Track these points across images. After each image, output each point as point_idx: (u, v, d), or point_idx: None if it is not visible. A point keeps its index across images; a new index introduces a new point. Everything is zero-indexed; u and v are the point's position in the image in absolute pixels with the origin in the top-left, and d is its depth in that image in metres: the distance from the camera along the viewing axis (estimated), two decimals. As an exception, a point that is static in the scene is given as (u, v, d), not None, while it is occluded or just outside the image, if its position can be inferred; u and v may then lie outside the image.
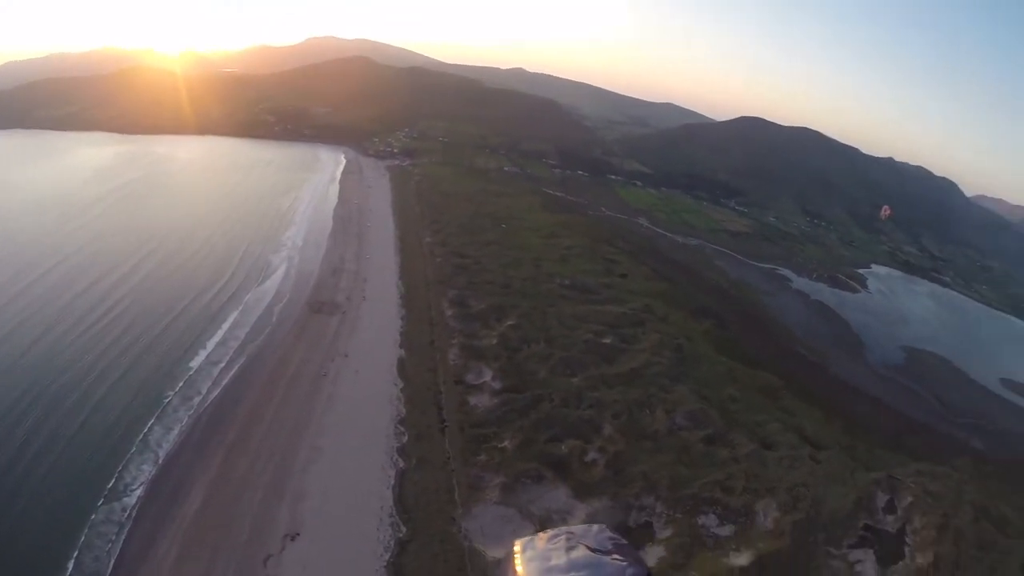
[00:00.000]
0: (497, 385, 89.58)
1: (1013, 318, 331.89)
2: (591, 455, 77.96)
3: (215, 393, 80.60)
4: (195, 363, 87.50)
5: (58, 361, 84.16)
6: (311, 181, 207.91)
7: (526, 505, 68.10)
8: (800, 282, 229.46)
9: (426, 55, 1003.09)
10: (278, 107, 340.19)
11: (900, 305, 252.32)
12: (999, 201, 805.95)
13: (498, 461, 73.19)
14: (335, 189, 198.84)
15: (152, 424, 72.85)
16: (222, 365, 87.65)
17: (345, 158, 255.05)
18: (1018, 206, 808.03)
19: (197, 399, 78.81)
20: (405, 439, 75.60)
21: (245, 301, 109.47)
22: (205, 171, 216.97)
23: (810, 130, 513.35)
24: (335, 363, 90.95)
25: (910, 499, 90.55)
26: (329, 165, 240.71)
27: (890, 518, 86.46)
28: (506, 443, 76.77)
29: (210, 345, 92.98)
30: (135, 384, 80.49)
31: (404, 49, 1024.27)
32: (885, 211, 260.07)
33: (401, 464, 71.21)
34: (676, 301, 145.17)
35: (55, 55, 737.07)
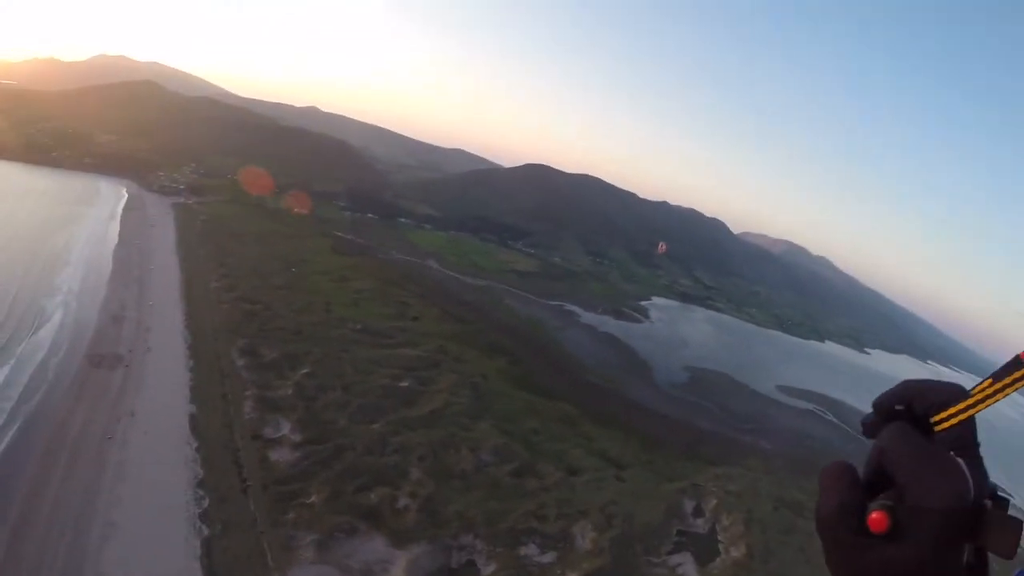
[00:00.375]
0: (297, 437, 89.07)
1: (780, 333, 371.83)
2: (402, 501, 79.73)
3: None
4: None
5: None
6: (89, 216, 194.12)
7: (344, 560, 68.57)
8: (587, 316, 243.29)
9: (218, 85, 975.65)
10: (58, 129, 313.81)
11: (680, 331, 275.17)
12: (762, 236, 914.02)
13: (308, 518, 73.03)
14: (115, 227, 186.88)
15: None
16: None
17: (127, 192, 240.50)
18: (778, 239, 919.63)
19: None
20: (207, 503, 73.36)
21: (16, 354, 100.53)
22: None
23: (591, 176, 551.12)
24: (122, 424, 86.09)
25: (715, 501, 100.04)
26: (110, 199, 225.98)
27: (700, 521, 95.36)
28: (314, 498, 76.67)
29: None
30: None
31: (196, 77, 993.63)
32: (661, 247, 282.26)
33: (206, 531, 69.14)
34: (469, 341, 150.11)
35: None
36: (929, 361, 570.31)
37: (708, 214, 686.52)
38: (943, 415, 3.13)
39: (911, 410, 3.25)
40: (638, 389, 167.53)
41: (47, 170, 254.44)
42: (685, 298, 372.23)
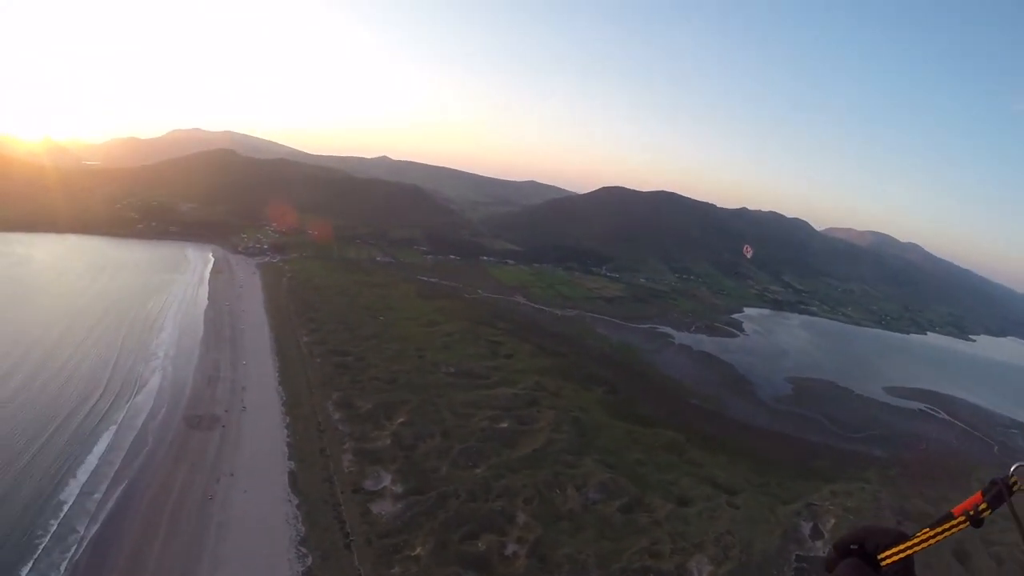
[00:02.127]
0: (398, 488, 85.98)
1: (880, 330, 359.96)
2: (510, 547, 75.94)
3: (93, 530, 73.15)
4: (69, 496, 79.13)
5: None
6: (179, 282, 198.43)
7: (454, 613, 64.85)
8: (681, 336, 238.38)
9: (290, 146, 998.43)
10: (142, 203, 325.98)
11: (777, 340, 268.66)
12: (848, 230, 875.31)
13: (415, 571, 69.93)
14: (204, 290, 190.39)
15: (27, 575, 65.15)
16: (98, 497, 79.73)
17: (213, 256, 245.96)
18: (864, 231, 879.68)
19: (74, 540, 71.16)
20: (310, 561, 70.74)
21: (118, 420, 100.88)
22: (68, 274, 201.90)
23: (667, 192, 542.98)
24: (221, 484, 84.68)
25: (833, 520, 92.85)
26: (197, 264, 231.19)
27: (819, 543, 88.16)
28: (419, 550, 73.46)
29: (83, 475, 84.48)
30: (2, 527, 71.89)
31: (268, 140, 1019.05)
32: (747, 250, 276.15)
33: (310, 590, 66.19)
34: (565, 374, 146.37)
35: None
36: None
37: (789, 215, 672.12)
38: (888, 552, 4.09)
39: (863, 548, 4.23)
40: (742, 407, 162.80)
41: (135, 242, 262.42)
42: (778, 305, 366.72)
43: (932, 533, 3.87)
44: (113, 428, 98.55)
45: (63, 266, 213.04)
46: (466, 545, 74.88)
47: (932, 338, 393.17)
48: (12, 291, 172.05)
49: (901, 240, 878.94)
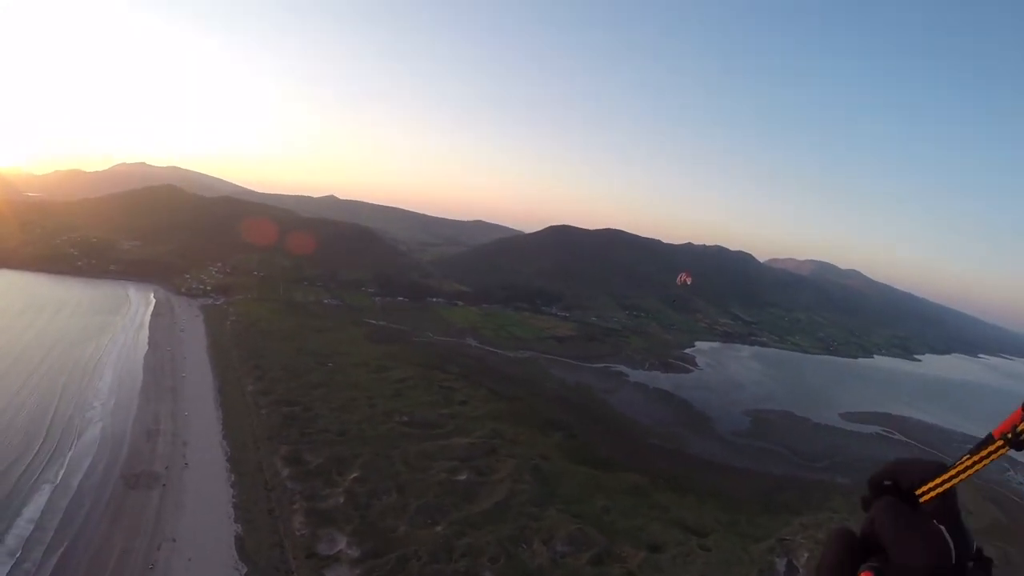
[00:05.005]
0: (355, 552, 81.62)
1: (829, 356, 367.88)
2: (479, 612, 71.50)
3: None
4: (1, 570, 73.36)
5: None
6: (118, 325, 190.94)
7: None
8: (636, 374, 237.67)
9: (236, 183, 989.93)
10: (82, 239, 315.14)
11: (731, 373, 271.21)
12: (789, 260, 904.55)
13: (377, 648, 64.92)
14: (145, 334, 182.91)
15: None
16: (30, 568, 74.35)
17: (155, 297, 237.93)
18: (805, 260, 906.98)
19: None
20: (262, 640, 65.48)
21: (54, 480, 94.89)
22: (4, 314, 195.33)
23: (613, 230, 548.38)
24: (162, 551, 79.27)
25: (806, 555, 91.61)
26: (138, 305, 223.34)
27: None
28: (380, 622, 68.60)
29: (14, 541, 78.87)
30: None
31: (215, 177, 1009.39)
32: (683, 277, 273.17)
33: (263, 675, 61.12)
34: (521, 419, 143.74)
35: None
36: (980, 355, 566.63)
37: (733, 247, 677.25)
38: (925, 488, 3.56)
39: (898, 485, 3.73)
40: (702, 444, 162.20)
41: (74, 280, 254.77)
42: (728, 337, 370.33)
43: (971, 461, 3.37)
44: (48, 487, 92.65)
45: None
46: (430, 613, 70.80)
47: (879, 360, 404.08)
48: None
49: (842, 267, 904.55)
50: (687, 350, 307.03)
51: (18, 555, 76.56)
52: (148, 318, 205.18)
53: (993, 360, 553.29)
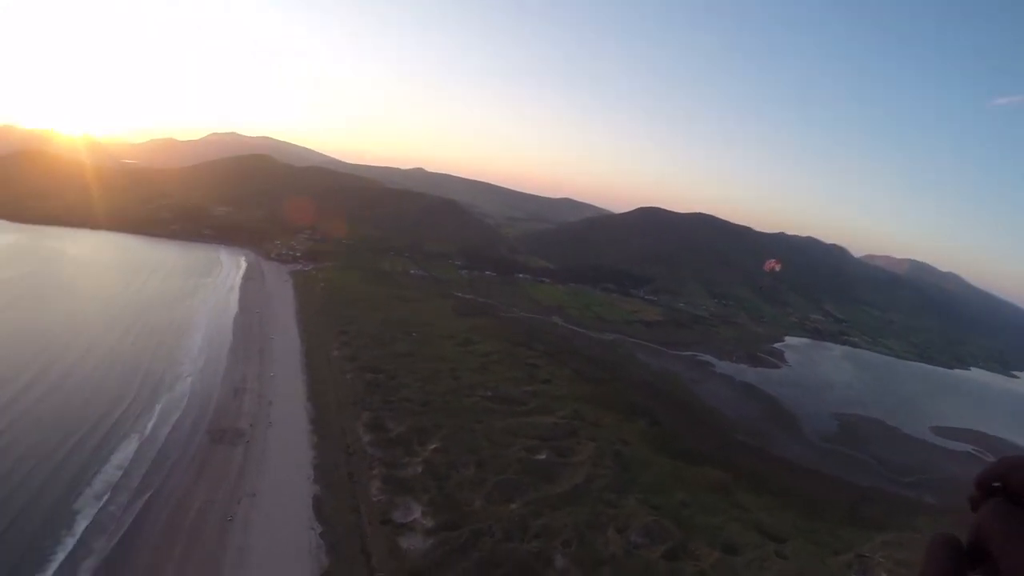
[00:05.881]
0: (429, 522, 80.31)
1: (922, 364, 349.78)
2: (547, 596, 69.53)
3: (109, 547, 69.33)
4: (86, 509, 75.58)
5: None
6: (210, 287, 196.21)
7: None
8: (723, 365, 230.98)
9: (326, 154, 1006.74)
10: (177, 204, 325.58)
11: (820, 373, 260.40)
12: (886, 257, 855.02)
13: (444, 619, 63.79)
14: (235, 297, 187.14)
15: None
16: (116, 512, 75.87)
17: (246, 262, 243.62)
18: (903, 259, 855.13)
19: (88, 556, 67.43)
20: (332, 597, 65.08)
21: (141, 431, 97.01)
22: (100, 272, 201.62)
23: (705, 215, 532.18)
24: (242, 505, 79.71)
25: (884, 575, 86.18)
26: (229, 269, 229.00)
27: None
28: (449, 593, 67.39)
29: (102, 487, 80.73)
30: (22, 539, 68.81)
31: (305, 148, 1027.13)
32: (770, 264, 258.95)
33: (331, 635, 60.69)
34: (605, 402, 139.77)
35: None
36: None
37: (826, 240, 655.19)
38: None
39: (1008, 486, 3.30)
40: (787, 444, 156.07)
41: (168, 242, 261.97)
42: (818, 335, 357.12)
43: None
44: (136, 437, 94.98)
45: (100, 264, 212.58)
46: (501, 590, 69.26)
47: (975, 373, 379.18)
48: (52, 283, 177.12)
49: (941, 270, 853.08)
50: (776, 344, 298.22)
51: (105, 498, 78.19)
52: (239, 281, 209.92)
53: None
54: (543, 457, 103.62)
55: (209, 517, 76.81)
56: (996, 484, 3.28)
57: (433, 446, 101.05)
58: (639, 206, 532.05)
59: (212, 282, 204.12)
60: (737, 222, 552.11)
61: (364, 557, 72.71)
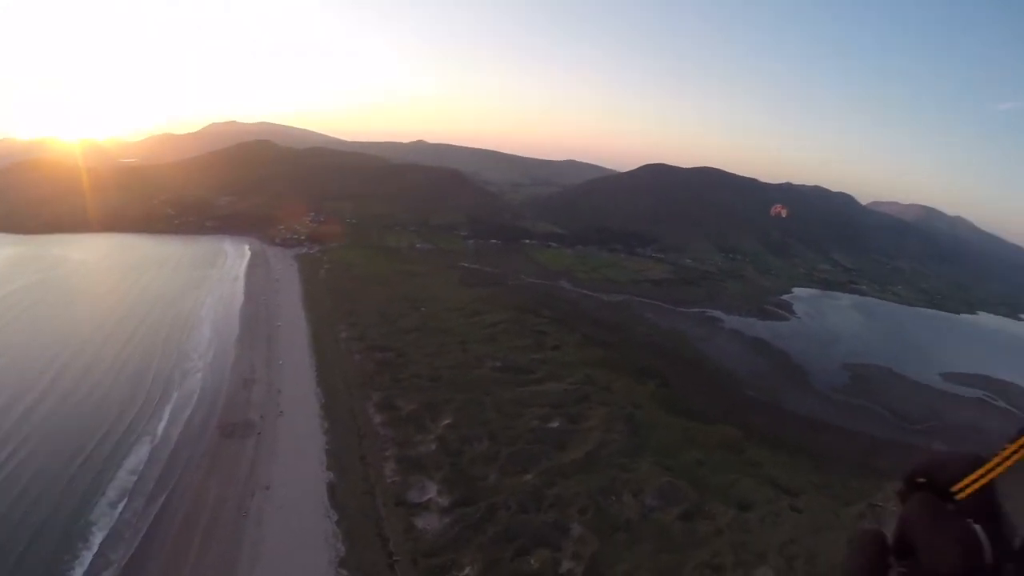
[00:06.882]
0: (444, 500, 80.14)
1: (931, 310, 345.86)
2: (565, 564, 69.84)
3: (129, 555, 69.37)
4: (104, 522, 75.14)
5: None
6: (215, 278, 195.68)
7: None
8: (732, 320, 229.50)
9: (325, 133, 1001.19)
10: (178, 198, 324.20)
11: (829, 324, 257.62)
12: (893, 203, 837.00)
13: (464, 593, 63.59)
14: (241, 286, 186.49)
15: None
16: (132, 519, 75.70)
17: (250, 250, 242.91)
18: (910, 204, 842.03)
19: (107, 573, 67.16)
20: (351, 584, 64.87)
21: (152, 434, 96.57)
22: (105, 274, 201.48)
23: (710, 168, 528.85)
24: (256, 499, 79.40)
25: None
26: (234, 258, 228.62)
27: None
28: (468, 569, 67.85)
29: (114, 493, 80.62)
30: (39, 560, 68.39)
31: (304, 130, 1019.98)
32: (776, 209, 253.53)
33: (351, 619, 60.58)
34: (615, 365, 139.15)
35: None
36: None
37: (834, 188, 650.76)
38: (962, 484, 3.30)
39: (933, 481, 3.49)
40: (798, 398, 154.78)
41: (173, 237, 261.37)
42: (827, 285, 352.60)
43: (1011, 451, 3.10)
44: (148, 439, 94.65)
45: (102, 266, 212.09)
46: (518, 563, 68.74)
47: (983, 317, 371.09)
48: (58, 290, 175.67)
49: (949, 214, 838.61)
50: (784, 296, 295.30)
51: (121, 506, 77.95)
52: (244, 270, 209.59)
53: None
54: (555, 425, 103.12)
55: (223, 514, 76.56)
56: (921, 480, 3.47)
57: (445, 422, 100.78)
58: (644, 163, 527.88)
59: (217, 273, 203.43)
60: (743, 174, 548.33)
61: (381, 541, 72.45)
